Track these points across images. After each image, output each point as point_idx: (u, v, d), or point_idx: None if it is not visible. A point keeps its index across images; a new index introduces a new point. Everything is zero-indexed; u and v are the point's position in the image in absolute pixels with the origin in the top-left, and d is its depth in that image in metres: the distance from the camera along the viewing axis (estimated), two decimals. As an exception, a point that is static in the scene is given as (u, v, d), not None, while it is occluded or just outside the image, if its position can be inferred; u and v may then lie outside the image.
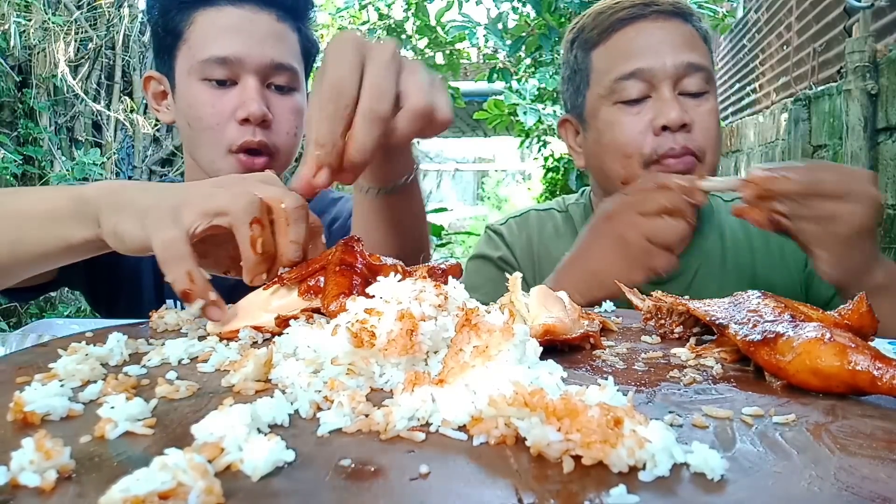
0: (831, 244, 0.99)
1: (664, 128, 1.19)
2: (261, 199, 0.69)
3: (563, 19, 4.04)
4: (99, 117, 4.68)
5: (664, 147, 1.20)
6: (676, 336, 0.75)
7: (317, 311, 0.71)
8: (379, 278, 0.62)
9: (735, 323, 0.64)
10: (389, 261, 0.74)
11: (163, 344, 0.65)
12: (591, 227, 1.15)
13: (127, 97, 4.79)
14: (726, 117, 6.81)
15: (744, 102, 6.24)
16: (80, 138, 4.62)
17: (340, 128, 0.71)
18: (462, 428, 0.45)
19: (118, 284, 1.28)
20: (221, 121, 1.16)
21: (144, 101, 4.95)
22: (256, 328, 0.70)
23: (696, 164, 1.21)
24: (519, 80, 4.46)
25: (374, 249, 0.69)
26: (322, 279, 0.71)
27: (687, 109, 1.21)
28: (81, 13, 4.52)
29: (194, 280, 0.68)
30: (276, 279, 0.73)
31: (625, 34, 1.26)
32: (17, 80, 4.37)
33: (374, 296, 0.59)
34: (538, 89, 4.12)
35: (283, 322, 0.70)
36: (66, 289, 4.25)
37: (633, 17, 1.25)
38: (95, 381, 0.53)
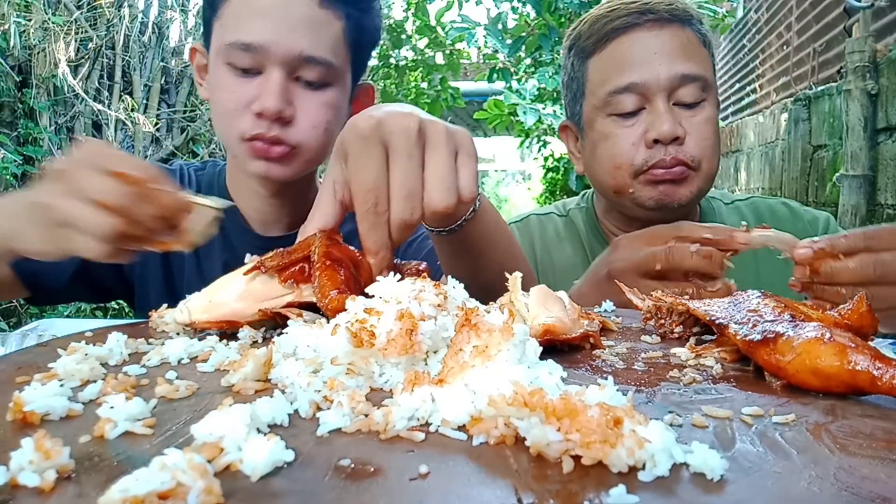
0: None
1: (656, 141, 1.19)
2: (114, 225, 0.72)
3: (562, 19, 4.05)
4: (99, 117, 4.68)
5: (654, 158, 1.20)
6: (676, 336, 0.75)
7: (303, 304, 0.71)
8: (378, 280, 0.62)
9: (735, 323, 0.64)
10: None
11: (162, 343, 0.65)
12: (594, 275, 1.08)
13: (127, 96, 4.80)
14: (726, 117, 6.82)
15: (744, 102, 6.24)
16: (80, 138, 4.62)
17: (385, 232, 0.74)
18: (462, 428, 0.45)
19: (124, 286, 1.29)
20: (238, 108, 1.11)
21: (145, 101, 4.96)
22: (232, 322, 0.70)
23: (688, 174, 1.22)
24: (519, 80, 4.47)
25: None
26: (303, 267, 0.71)
27: (681, 121, 1.20)
28: (81, 13, 4.52)
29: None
30: (257, 265, 0.73)
31: (619, 44, 1.23)
32: (17, 80, 4.37)
33: (373, 295, 0.59)
34: (538, 89, 4.13)
35: (265, 315, 0.70)
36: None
37: (627, 25, 1.22)
38: (95, 381, 0.53)
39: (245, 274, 0.72)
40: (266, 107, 1.08)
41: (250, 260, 0.75)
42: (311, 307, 0.71)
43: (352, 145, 0.74)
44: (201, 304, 0.71)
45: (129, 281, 1.28)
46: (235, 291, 0.72)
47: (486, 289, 0.80)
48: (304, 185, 1.27)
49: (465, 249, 0.95)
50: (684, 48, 1.22)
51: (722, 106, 7.01)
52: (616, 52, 1.24)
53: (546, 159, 7.51)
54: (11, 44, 4.18)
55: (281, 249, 0.74)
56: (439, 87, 5.31)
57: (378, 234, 0.74)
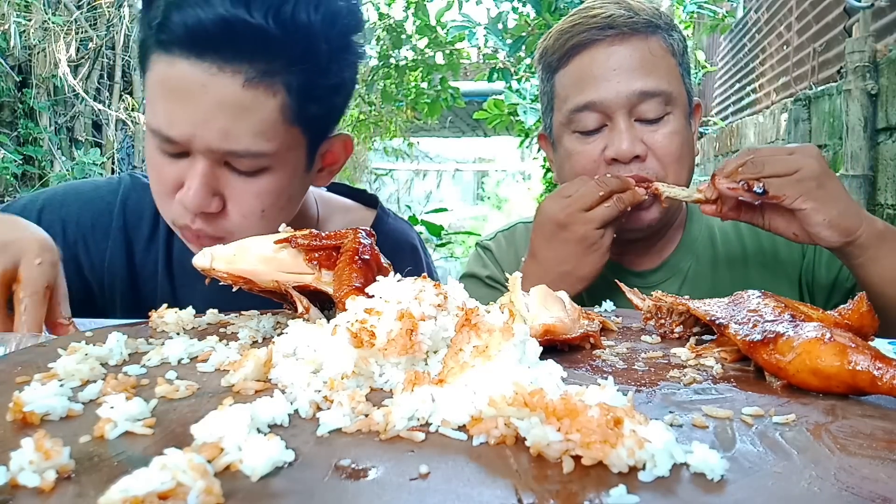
0: (808, 191, 1.01)
1: (615, 160, 1.19)
2: None
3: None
4: (99, 117, 4.68)
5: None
6: (676, 336, 0.75)
7: (315, 293, 0.71)
8: (378, 277, 0.62)
9: (735, 323, 0.64)
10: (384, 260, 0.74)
11: (162, 343, 0.65)
12: (543, 236, 1.16)
13: (128, 96, 4.80)
14: (726, 117, 6.81)
15: (744, 102, 6.24)
16: (80, 138, 4.63)
17: None
18: (462, 428, 0.45)
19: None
20: (165, 191, 1.00)
21: (145, 101, 4.96)
22: (248, 281, 0.71)
23: (652, 202, 1.20)
24: (519, 80, 4.46)
25: None
26: (331, 254, 0.72)
27: (643, 136, 1.19)
28: (81, 13, 4.52)
29: None
30: (288, 239, 0.73)
31: (580, 61, 1.22)
32: (17, 80, 4.38)
33: (373, 295, 0.59)
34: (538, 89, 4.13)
35: (277, 287, 0.71)
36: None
37: (588, 41, 1.21)
38: (95, 381, 0.53)
39: (275, 242, 0.73)
40: (186, 201, 0.96)
41: (284, 230, 0.75)
42: (322, 298, 0.72)
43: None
44: (225, 255, 0.71)
45: (90, 285, 1.19)
46: (260, 254, 0.72)
47: None
48: None
49: None
50: (644, 63, 1.19)
51: (722, 106, 7.01)
52: (577, 69, 1.23)
53: (546, 159, 7.50)
54: (11, 44, 4.18)
55: (316, 231, 0.75)
56: (439, 87, 5.31)
57: None
